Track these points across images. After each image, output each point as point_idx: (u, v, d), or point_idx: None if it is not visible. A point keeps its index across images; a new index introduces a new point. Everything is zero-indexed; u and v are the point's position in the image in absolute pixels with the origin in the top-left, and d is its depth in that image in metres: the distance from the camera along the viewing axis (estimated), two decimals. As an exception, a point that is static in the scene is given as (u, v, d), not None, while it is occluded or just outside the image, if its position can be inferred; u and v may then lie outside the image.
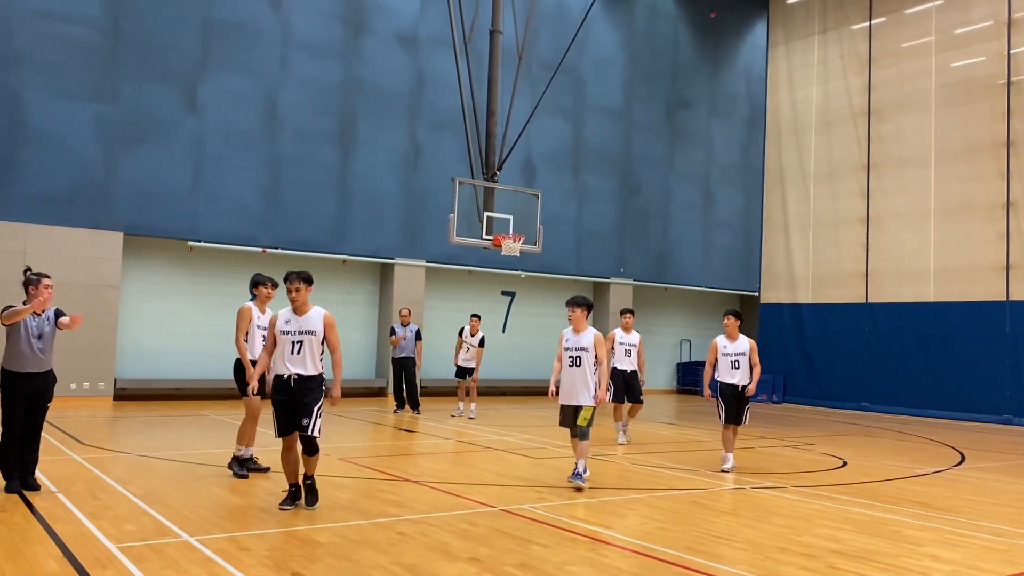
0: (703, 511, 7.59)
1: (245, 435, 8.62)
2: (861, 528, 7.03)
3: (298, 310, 7.03)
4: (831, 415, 18.57)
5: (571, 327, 8.81)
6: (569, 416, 8.73)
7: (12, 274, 15.60)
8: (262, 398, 8.33)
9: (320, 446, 7.16)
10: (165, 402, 16.74)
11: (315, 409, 6.95)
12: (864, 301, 21.28)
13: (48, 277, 7.41)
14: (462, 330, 16.09)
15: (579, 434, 8.62)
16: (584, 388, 8.57)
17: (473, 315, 16.21)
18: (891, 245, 20.79)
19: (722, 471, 9.82)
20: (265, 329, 8.45)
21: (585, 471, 8.57)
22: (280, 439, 7.12)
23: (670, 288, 25.22)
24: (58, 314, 7.50)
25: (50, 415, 13.34)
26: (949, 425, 17.68)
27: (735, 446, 10.32)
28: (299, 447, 7.10)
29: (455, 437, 12.99)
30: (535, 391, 22.14)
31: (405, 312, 16.46)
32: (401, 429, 13.85)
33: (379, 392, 19.89)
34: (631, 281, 24.06)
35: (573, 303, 8.84)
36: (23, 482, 7.41)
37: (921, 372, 19.72)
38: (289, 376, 6.95)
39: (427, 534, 6.33)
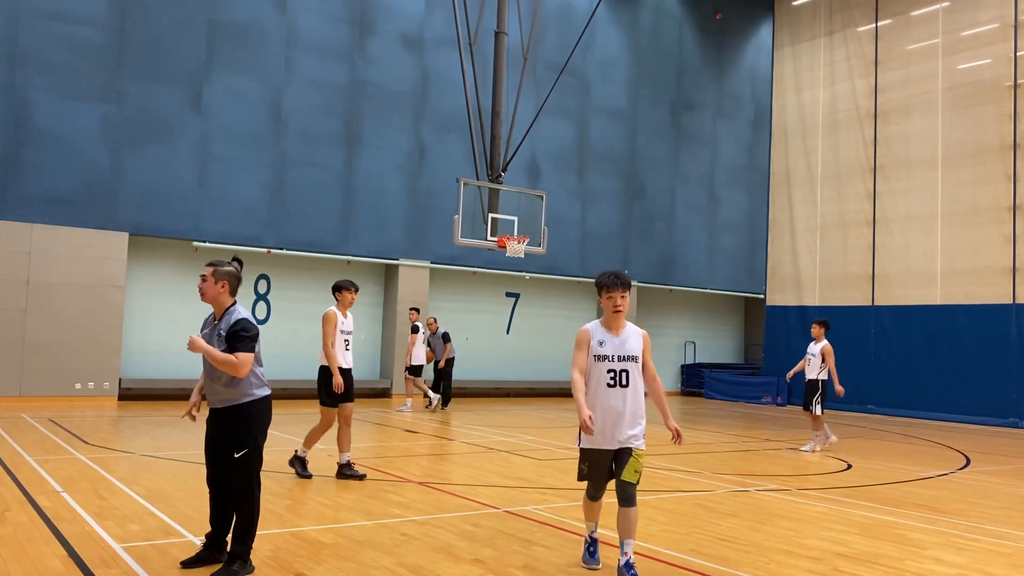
0: (707, 513, 7.56)
1: (342, 442, 8.86)
2: (866, 531, 7.01)
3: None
4: (836, 417, 18.51)
5: (599, 322, 5.34)
6: (604, 466, 5.27)
7: (18, 274, 15.74)
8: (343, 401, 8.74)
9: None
10: (170, 402, 16.76)
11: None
12: (870, 304, 21.22)
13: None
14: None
15: (625, 498, 5.16)
16: (634, 421, 5.24)
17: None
18: (898, 247, 20.73)
19: None
20: (348, 333, 8.80)
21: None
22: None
23: (675, 290, 25.20)
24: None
25: (55, 415, 13.54)
26: (955, 428, 17.63)
27: None
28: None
29: (459, 438, 12.99)
30: (539, 392, 22.15)
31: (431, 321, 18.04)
32: (405, 430, 13.85)
33: (383, 393, 19.89)
34: (636, 283, 24.04)
35: (619, 284, 5.23)
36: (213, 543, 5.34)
37: (927, 375, 19.66)
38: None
39: (431, 535, 6.33)
